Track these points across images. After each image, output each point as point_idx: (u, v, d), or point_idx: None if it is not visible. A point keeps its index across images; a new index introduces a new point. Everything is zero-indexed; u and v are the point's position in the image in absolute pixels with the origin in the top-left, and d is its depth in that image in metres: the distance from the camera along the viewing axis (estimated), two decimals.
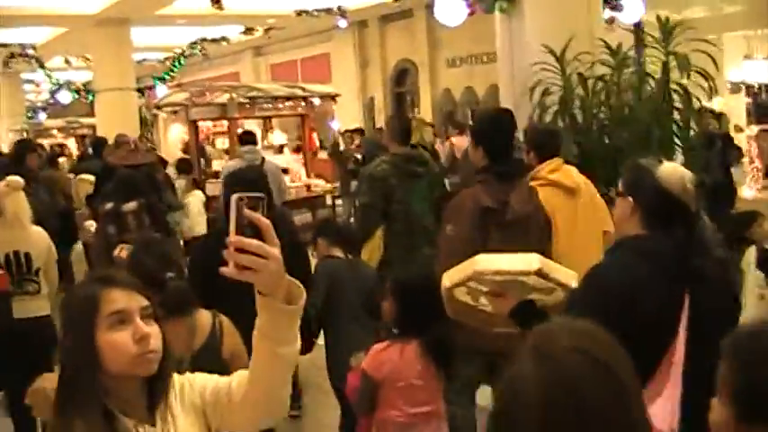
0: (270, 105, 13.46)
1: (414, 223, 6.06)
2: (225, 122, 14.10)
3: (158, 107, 14.61)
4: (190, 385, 2.19)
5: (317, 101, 14.20)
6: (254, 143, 10.07)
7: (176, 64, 20.21)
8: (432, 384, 3.79)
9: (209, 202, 10.74)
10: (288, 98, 13.61)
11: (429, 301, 3.43)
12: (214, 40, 21.39)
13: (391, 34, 22.35)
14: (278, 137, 14.82)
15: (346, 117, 20.88)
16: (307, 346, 4.63)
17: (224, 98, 13.44)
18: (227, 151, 13.91)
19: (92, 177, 10.05)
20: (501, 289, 2.94)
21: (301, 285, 1.91)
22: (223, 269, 1.79)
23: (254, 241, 1.77)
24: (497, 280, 2.93)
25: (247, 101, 13.09)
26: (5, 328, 5.39)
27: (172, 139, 23.55)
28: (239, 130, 12.77)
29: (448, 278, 3.04)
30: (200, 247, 4.84)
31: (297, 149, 14.63)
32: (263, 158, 9.69)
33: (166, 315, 2.80)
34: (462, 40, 20.00)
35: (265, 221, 1.80)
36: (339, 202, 13.99)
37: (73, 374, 1.99)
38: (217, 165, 13.88)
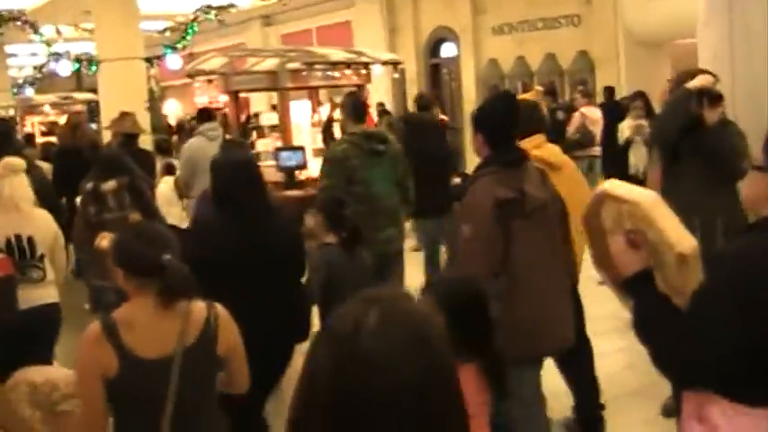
0: (327, 74, 11.14)
1: (376, 203, 6.09)
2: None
3: (190, 75, 12.27)
4: None
5: (377, 68, 11.92)
6: (214, 119, 9.47)
7: (189, 31, 17.97)
8: (483, 410, 3.25)
9: None
10: (348, 64, 11.28)
11: (483, 317, 3.21)
12: (221, 8, 19.24)
13: None
14: (326, 111, 12.58)
15: (374, 92, 18.64)
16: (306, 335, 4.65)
17: (271, 64, 11.12)
18: (274, 128, 11.66)
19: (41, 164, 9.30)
20: (642, 241, 2.48)
21: None
22: None
23: None
24: (647, 234, 2.47)
25: (304, 67, 10.77)
26: (10, 316, 5.12)
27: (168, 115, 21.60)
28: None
29: (611, 186, 2.64)
30: (191, 237, 4.53)
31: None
32: (225, 137, 9.04)
33: (168, 301, 3.02)
34: (512, 4, 17.90)
35: None
36: None
37: None
38: (262, 145, 11.66)
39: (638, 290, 2.49)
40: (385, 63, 12.16)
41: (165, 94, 20.26)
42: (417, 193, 6.65)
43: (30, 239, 5.38)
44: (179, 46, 17.76)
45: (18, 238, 5.34)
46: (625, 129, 9.25)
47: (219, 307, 3.23)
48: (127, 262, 3.09)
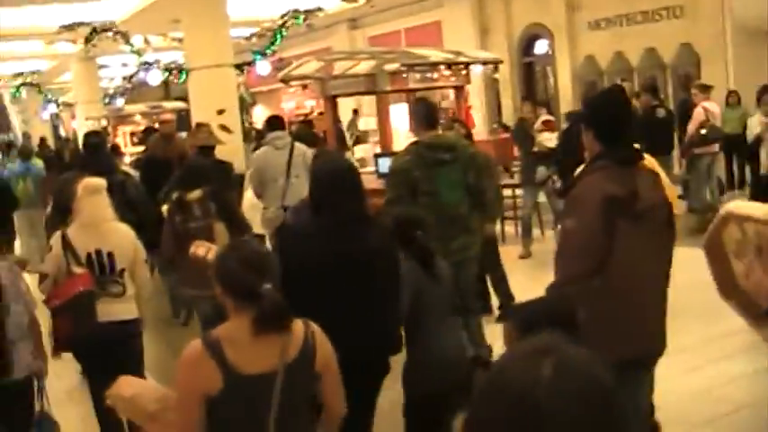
0: (426, 75, 10.70)
1: (444, 212, 5.96)
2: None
3: (284, 81, 11.98)
4: None
5: (477, 68, 11.45)
6: (283, 128, 9.26)
7: (277, 36, 17.76)
8: None
9: None
10: (448, 65, 10.83)
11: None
12: (308, 12, 18.97)
13: None
14: None
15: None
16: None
17: (367, 66, 10.72)
18: (364, 134, 11.26)
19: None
20: None
21: None
22: None
23: None
24: None
25: (403, 69, 10.35)
26: (89, 330, 5.24)
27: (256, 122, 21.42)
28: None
29: (737, 206, 2.48)
30: (283, 247, 4.40)
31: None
32: (294, 144, 8.80)
33: (262, 330, 2.97)
34: None
35: None
36: (519, 192, 11.26)
37: None
38: (360, 151, 11.29)
39: None
40: (485, 63, 11.66)
41: (255, 100, 20.02)
42: None
43: (110, 255, 5.43)
44: (268, 51, 17.56)
45: (98, 253, 5.40)
46: (755, 125, 8.55)
47: (314, 324, 3.22)
48: (227, 283, 3.07)
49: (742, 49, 14.92)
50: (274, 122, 9.28)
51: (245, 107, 17.33)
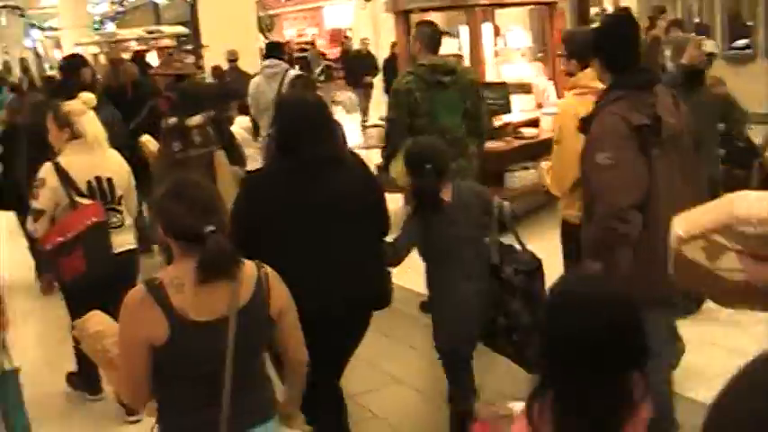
0: None
1: (442, 135, 5.65)
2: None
3: None
4: None
5: None
6: (279, 57, 8.68)
7: None
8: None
9: None
10: None
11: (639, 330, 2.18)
12: None
13: None
14: (517, 38, 9.93)
15: (509, 20, 15.89)
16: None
17: None
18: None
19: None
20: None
21: None
22: None
23: None
24: (761, 233, 2.02)
25: None
26: (104, 264, 5.01)
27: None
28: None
29: (683, 225, 2.25)
30: (247, 189, 4.05)
31: None
32: (287, 72, 8.38)
33: (205, 278, 2.74)
34: None
35: None
36: None
37: None
38: None
39: None
40: None
41: (273, 23, 17.85)
42: None
43: (109, 181, 5.17)
44: None
45: (98, 180, 5.12)
46: None
47: (268, 266, 2.99)
48: (168, 225, 2.84)
49: None
50: (271, 49, 8.90)
51: (263, 30, 15.14)
